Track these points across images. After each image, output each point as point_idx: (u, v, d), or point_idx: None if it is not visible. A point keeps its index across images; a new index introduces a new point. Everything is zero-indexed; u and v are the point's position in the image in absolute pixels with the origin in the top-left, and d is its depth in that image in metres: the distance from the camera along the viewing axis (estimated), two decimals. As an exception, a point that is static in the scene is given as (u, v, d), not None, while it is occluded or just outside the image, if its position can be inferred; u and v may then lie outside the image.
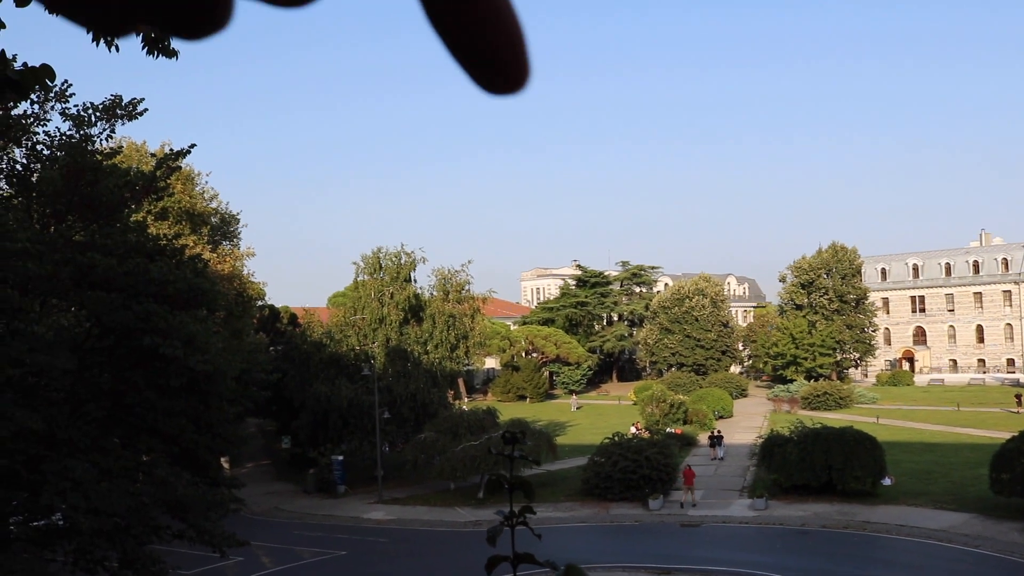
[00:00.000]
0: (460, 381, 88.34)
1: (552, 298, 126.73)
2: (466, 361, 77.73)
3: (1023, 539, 36.10)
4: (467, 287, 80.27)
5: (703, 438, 65.03)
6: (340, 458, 53.30)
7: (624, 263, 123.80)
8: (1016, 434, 41.24)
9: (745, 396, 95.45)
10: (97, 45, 9.10)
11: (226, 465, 49.52)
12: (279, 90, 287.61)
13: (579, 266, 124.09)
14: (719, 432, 62.09)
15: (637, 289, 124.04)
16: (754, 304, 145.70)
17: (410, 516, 45.83)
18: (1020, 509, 39.49)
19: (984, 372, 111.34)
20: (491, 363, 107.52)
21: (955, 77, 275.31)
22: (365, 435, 53.81)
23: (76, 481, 18.83)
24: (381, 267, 70.32)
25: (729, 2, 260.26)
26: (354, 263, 71.16)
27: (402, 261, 70.48)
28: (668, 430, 63.95)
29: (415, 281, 71.83)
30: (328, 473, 53.34)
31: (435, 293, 77.37)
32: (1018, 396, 73.64)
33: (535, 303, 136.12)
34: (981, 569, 33.23)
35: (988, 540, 36.39)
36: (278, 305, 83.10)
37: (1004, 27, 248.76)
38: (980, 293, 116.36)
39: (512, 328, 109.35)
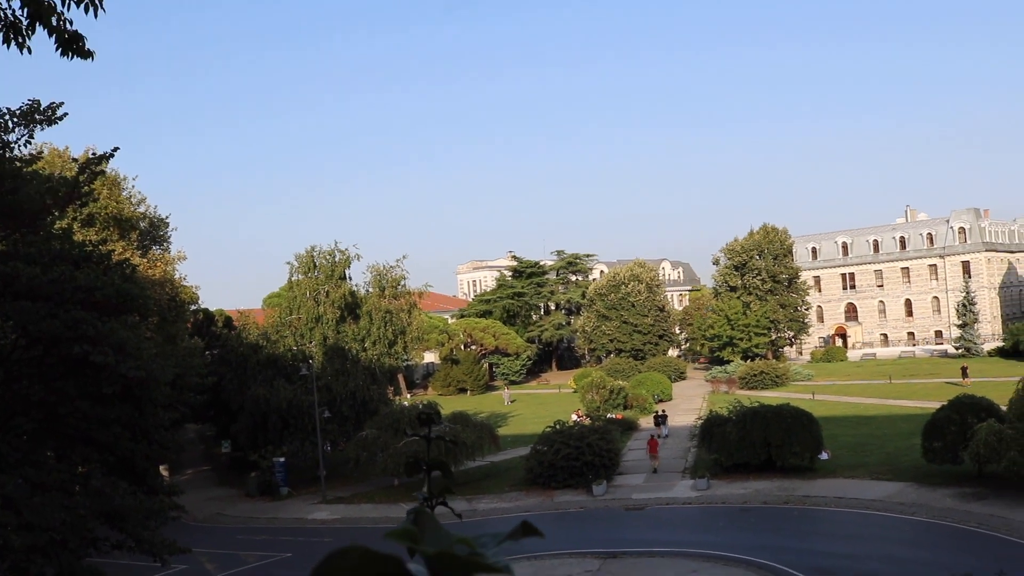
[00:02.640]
0: (400, 377, 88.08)
1: (489, 290, 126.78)
2: (405, 356, 77.35)
3: (955, 504, 36.99)
4: (403, 282, 79.90)
5: (644, 422, 65.59)
6: (282, 460, 52.81)
7: (559, 252, 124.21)
8: (946, 403, 42.29)
9: (684, 379, 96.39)
10: (8, 47, 8.81)
11: (165, 472, 48.71)
12: (207, 93, 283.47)
13: (515, 257, 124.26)
14: (663, 412, 62.72)
15: (573, 277, 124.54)
16: (689, 288, 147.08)
17: (355, 514, 45.57)
18: (952, 476, 40.47)
19: (914, 345, 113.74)
20: (430, 357, 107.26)
21: (877, 56, 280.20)
22: (306, 435, 53.36)
23: (7, 497, 18.38)
24: (315, 266, 69.74)
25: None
26: (288, 263, 70.54)
27: (336, 259, 69.97)
28: (609, 416, 64.33)
29: (350, 278, 71.42)
30: (270, 475, 52.81)
31: (371, 289, 76.90)
32: (963, 368, 75.08)
33: (472, 296, 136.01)
34: (917, 536, 34.01)
35: (922, 507, 37.22)
36: (212, 308, 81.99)
37: (922, 3, 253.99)
38: (907, 268, 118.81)
39: (450, 321, 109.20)
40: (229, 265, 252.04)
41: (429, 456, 3.41)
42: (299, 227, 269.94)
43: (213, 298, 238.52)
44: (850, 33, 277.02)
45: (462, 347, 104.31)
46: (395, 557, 1.19)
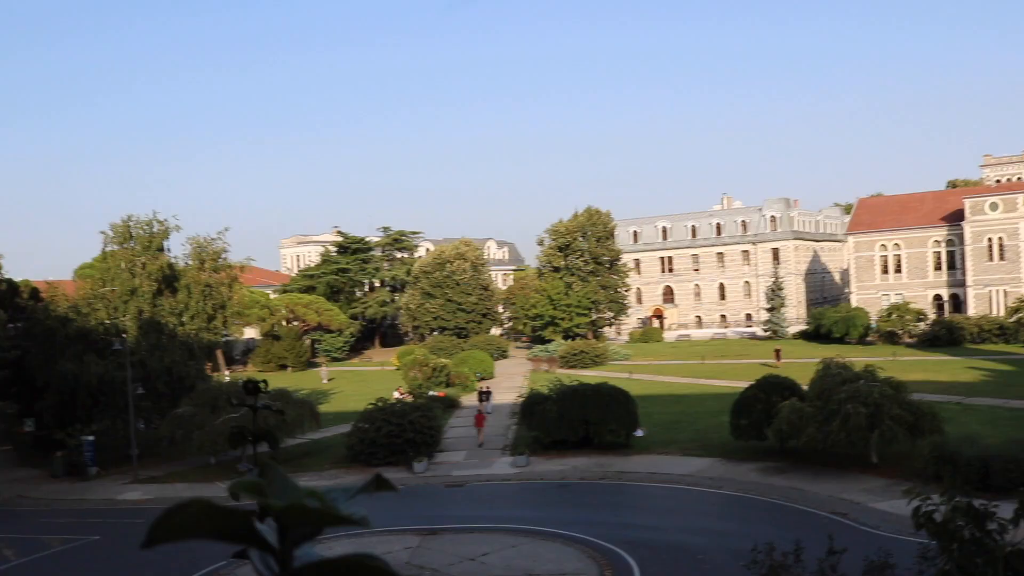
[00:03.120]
0: (219, 352, 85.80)
1: (313, 265, 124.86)
2: (224, 331, 75.47)
3: (759, 478, 38.96)
4: (224, 255, 77.89)
5: (466, 400, 66.12)
6: (91, 438, 50.56)
7: (386, 229, 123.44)
8: (753, 383, 44.42)
9: (506, 357, 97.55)
10: None
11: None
12: (13, 52, 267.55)
13: (340, 232, 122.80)
14: (488, 388, 63.37)
15: (398, 255, 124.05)
16: (514, 268, 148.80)
17: (169, 494, 44.16)
18: (757, 451, 42.59)
19: (726, 327, 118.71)
20: (251, 333, 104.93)
21: (692, 47, 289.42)
22: (118, 413, 51.35)
23: None
24: (132, 236, 67.10)
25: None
26: (102, 232, 67.55)
27: (155, 230, 67.49)
28: (431, 393, 64.54)
29: (169, 250, 69.06)
30: (78, 455, 50.47)
31: (190, 262, 74.60)
32: (777, 350, 78.53)
33: (295, 271, 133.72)
34: (724, 508, 35.66)
35: (729, 481, 39.04)
36: (17, 279, 77.61)
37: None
38: (722, 253, 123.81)
39: (272, 296, 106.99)
40: (37, 234, 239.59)
41: (255, 427, 3.35)
42: (116, 196, 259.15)
43: (18, 268, 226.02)
44: (669, 21, 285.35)
45: (284, 323, 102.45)
46: (240, 511, 1.10)
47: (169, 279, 67.58)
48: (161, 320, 62.26)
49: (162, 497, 43.54)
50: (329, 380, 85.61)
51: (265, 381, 3.44)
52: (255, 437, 3.33)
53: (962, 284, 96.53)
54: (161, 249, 67.65)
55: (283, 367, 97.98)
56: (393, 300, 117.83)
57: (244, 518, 1.10)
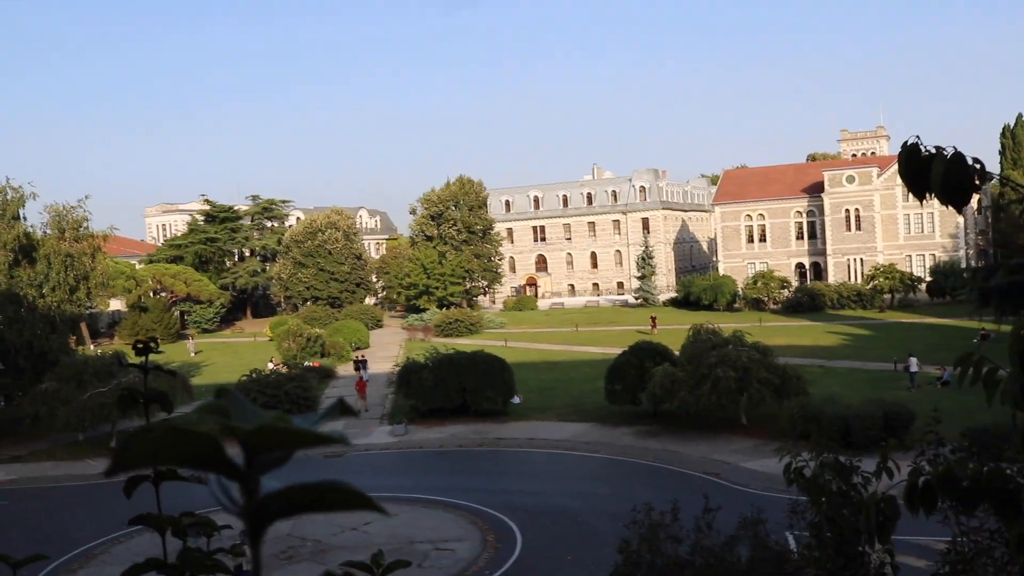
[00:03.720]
0: (83, 325, 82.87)
1: (180, 235, 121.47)
2: (88, 304, 72.92)
3: (634, 442, 39.99)
4: (86, 224, 75.08)
5: (341, 370, 65.68)
6: (-55, 417, 48.40)
7: (255, 197, 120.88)
8: (626, 349, 45.42)
9: (381, 327, 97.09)
10: None
11: None
12: None
13: (207, 201, 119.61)
14: (363, 357, 63.04)
15: (268, 224, 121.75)
16: (386, 237, 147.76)
17: (34, 473, 42.63)
18: (631, 415, 43.64)
19: (599, 295, 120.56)
20: (116, 305, 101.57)
21: (562, 17, 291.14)
22: (-26, 389, 49.25)
23: None
24: (-17, 204, 63.91)
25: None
26: (-49, 200, 64.14)
27: (8, 197, 64.43)
28: (306, 364, 63.92)
29: (25, 219, 66.05)
30: (-69, 435, 48.25)
31: (49, 231, 71.69)
32: (653, 318, 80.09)
33: (161, 240, 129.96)
34: (600, 471, 36.50)
35: (605, 445, 39.94)
36: None
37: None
38: (593, 223, 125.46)
39: (138, 267, 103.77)
40: None
41: (147, 389, 3.30)
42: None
43: None
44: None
45: (151, 294, 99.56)
46: (207, 434, 1.05)
47: (27, 249, 64.74)
48: (19, 292, 59.72)
49: (27, 476, 42.05)
50: (197, 353, 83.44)
51: (156, 339, 3.39)
52: (147, 400, 3.29)
53: (822, 253, 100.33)
54: (16, 217, 64.69)
55: (152, 340, 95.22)
56: (264, 270, 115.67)
57: (212, 441, 1.04)
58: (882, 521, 4.44)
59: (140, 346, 3.27)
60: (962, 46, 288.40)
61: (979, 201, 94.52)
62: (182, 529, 2.60)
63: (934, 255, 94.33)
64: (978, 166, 2.93)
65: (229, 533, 2.70)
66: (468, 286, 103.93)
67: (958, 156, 2.91)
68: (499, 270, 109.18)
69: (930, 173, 2.97)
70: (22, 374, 51.66)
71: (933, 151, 3.00)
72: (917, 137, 3.04)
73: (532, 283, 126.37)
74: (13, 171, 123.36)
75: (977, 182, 2.90)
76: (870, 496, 4.62)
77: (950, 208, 3.06)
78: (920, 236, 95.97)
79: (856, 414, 35.19)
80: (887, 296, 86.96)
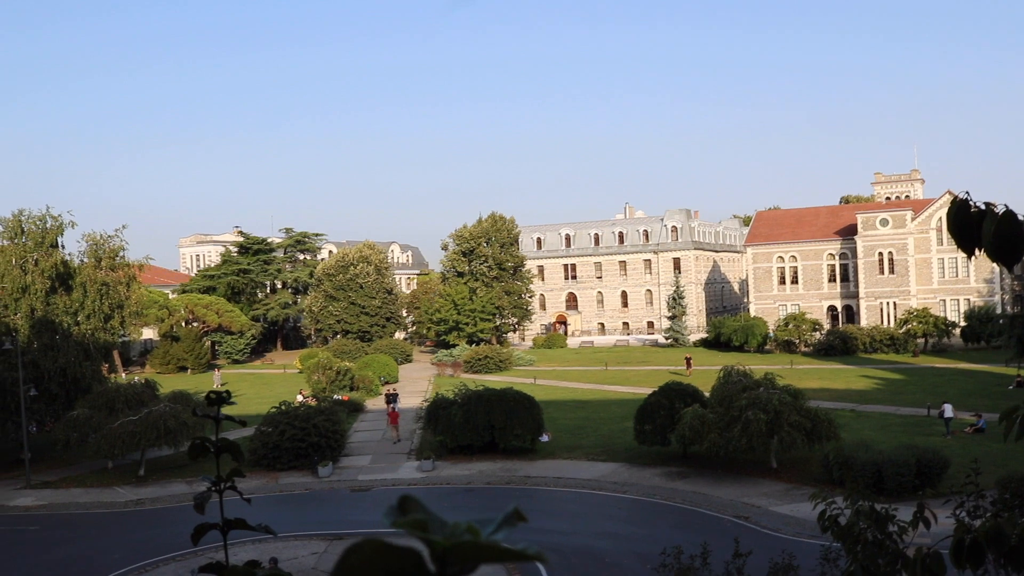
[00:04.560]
0: (115, 353, 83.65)
1: (213, 265, 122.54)
2: (122, 332, 73.59)
3: (663, 483, 39.63)
4: (122, 253, 76.00)
5: (371, 404, 65.76)
6: (-20, 441, 48.75)
7: (288, 230, 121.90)
8: (656, 389, 45.16)
9: (410, 361, 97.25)
10: None
11: None
12: None
13: (241, 232, 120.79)
14: (394, 391, 63.03)
15: (301, 256, 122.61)
16: (418, 272, 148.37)
17: (64, 500, 42.81)
18: (660, 456, 43.31)
19: (628, 334, 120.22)
20: (149, 333, 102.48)
21: (595, 56, 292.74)
22: (9, 415, 49.51)
23: None
24: (24, 231, 64.92)
25: None
26: (-8, 228, 65.17)
27: (48, 225, 65.41)
28: (335, 397, 63.99)
29: (63, 247, 66.98)
30: (-34, 458, 48.61)
31: (86, 260, 72.60)
32: (688, 358, 79.63)
33: (195, 270, 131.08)
34: (628, 512, 36.18)
35: (634, 485, 39.63)
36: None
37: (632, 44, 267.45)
38: (624, 262, 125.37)
39: (171, 296, 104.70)
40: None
41: (219, 438, 3.36)
42: (6, 191, 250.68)
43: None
44: (571, 27, 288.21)
45: (183, 324, 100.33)
46: (412, 550, 1.11)
47: (64, 277, 65.61)
48: (55, 319, 60.41)
49: (57, 503, 42.22)
50: (223, 385, 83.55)
51: (229, 392, 3.45)
52: (218, 450, 3.35)
53: (855, 296, 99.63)
54: (55, 245, 65.63)
55: (182, 369, 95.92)
56: (295, 302, 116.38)
57: (416, 557, 1.11)
58: (928, 579, 4.41)
59: (213, 397, 3.34)
60: (997, 90, 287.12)
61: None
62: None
63: (969, 299, 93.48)
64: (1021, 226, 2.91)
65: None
66: (498, 323, 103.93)
67: (1009, 214, 2.90)
68: (529, 307, 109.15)
69: (980, 230, 2.97)
70: (55, 400, 52.12)
71: (983, 207, 2.99)
72: (967, 193, 3.04)
73: (562, 321, 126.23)
74: (53, 199, 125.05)
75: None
76: (916, 552, 4.58)
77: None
78: (955, 280, 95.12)
79: (889, 460, 34.76)
80: (920, 340, 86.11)
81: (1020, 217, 2.98)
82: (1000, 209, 2.97)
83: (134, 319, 75.11)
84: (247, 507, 3.57)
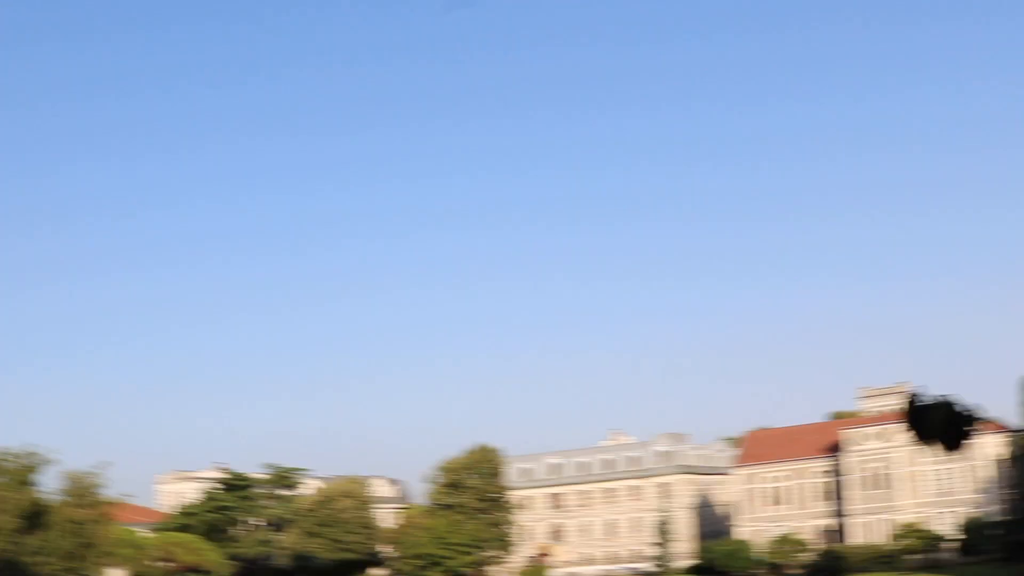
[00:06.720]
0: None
1: (194, 503, 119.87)
2: (83, 573, 70.96)
3: None
4: (99, 490, 74.39)
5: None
6: None
7: (271, 465, 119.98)
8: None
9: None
10: None
11: None
12: None
13: (223, 469, 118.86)
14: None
15: (282, 492, 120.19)
16: (404, 506, 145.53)
17: None
18: None
19: (615, 563, 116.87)
20: (116, 574, 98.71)
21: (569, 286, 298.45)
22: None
23: None
24: (1, 470, 63.64)
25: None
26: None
27: (25, 462, 64.19)
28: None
29: (36, 485, 65.42)
30: None
31: (62, 497, 71.02)
32: None
33: (172, 508, 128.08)
34: None
35: None
36: None
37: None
38: (612, 489, 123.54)
39: (147, 535, 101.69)
40: None
41: None
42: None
43: None
44: (546, 234, 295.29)
45: (155, 563, 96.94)
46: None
47: (34, 516, 63.83)
48: (21, 559, 58.25)
49: None
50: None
51: None
52: None
53: (845, 513, 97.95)
54: (25, 483, 64.18)
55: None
56: (270, 540, 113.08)
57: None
58: None
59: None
60: (985, 306, 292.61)
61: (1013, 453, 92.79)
62: None
63: (962, 511, 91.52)
64: (967, 413, 2.79)
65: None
66: (479, 556, 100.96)
67: (947, 403, 2.78)
68: (510, 539, 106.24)
69: (928, 420, 2.83)
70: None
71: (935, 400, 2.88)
72: (922, 387, 2.96)
73: (545, 553, 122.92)
74: (29, 434, 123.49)
75: (972, 427, 2.75)
76: None
77: (974, 462, 2.87)
78: (948, 492, 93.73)
79: None
80: (916, 557, 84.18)
81: (962, 407, 2.83)
82: (949, 397, 2.86)
83: (103, 558, 72.64)
84: None
